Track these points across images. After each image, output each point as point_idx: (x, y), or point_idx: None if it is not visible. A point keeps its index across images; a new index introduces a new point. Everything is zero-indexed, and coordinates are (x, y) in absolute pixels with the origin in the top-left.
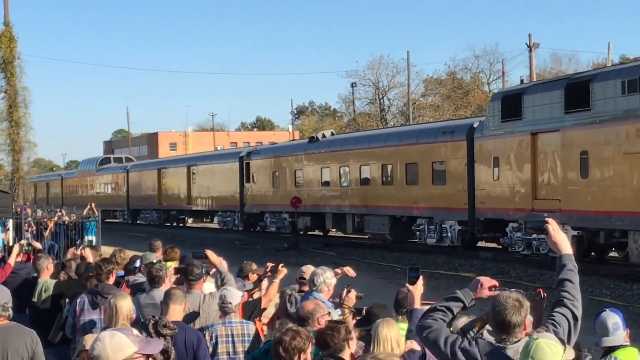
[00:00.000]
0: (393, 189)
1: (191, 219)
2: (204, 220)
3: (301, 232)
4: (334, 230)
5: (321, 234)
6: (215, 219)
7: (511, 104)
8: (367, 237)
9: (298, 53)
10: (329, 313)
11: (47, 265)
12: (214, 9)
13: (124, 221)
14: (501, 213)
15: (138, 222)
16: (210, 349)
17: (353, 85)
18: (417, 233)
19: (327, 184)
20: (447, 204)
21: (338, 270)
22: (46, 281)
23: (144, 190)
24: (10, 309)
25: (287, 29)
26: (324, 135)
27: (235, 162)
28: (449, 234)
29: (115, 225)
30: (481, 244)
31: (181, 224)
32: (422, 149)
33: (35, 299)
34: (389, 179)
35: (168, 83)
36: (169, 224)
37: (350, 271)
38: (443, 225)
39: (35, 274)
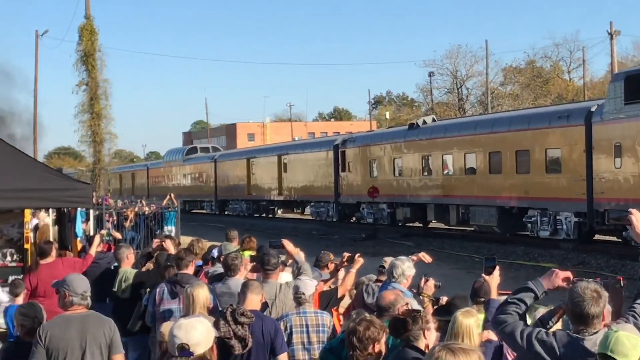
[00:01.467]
0: (502, 178)
1: (281, 209)
2: (295, 210)
3: (400, 224)
4: (436, 221)
5: (421, 225)
6: (308, 210)
7: (636, 85)
8: (472, 229)
9: (375, 43)
10: (408, 303)
11: (128, 255)
12: (290, 1)
13: (211, 212)
14: (624, 204)
15: (226, 212)
16: (285, 339)
17: (431, 74)
18: (529, 225)
19: (428, 172)
20: (562, 194)
21: (414, 257)
22: (126, 271)
23: (232, 180)
24: (88, 298)
25: (365, 19)
26: (424, 122)
27: (329, 150)
28: (564, 226)
29: (196, 216)
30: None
31: (270, 215)
32: (534, 135)
33: (115, 289)
34: (497, 167)
35: (246, 74)
36: (257, 215)
37: (425, 257)
38: (557, 217)
39: (116, 264)
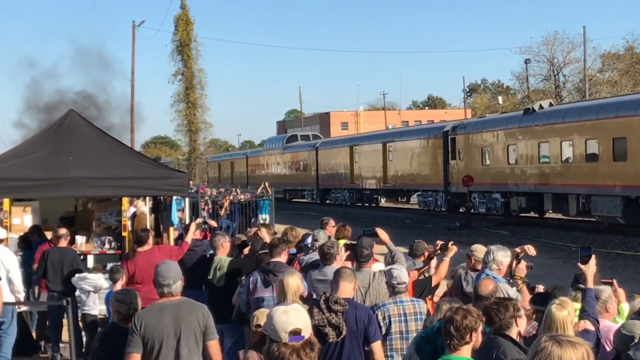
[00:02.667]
0: (628, 166)
1: (384, 198)
2: (399, 200)
3: (514, 214)
4: (552, 212)
5: (537, 215)
6: (415, 199)
7: None
8: (594, 220)
9: (470, 29)
10: (505, 290)
11: (223, 244)
12: None
13: (312, 201)
14: None
15: (327, 202)
16: (384, 329)
17: (527, 61)
18: None
19: (545, 160)
20: None
21: (518, 249)
22: (221, 259)
23: (334, 168)
24: (179, 286)
25: (459, 6)
26: (541, 107)
27: (438, 137)
28: None
29: (296, 205)
30: None
31: (373, 205)
32: None
33: (210, 277)
34: (621, 154)
35: (340, 63)
36: (360, 204)
37: (530, 249)
38: None
39: (212, 252)
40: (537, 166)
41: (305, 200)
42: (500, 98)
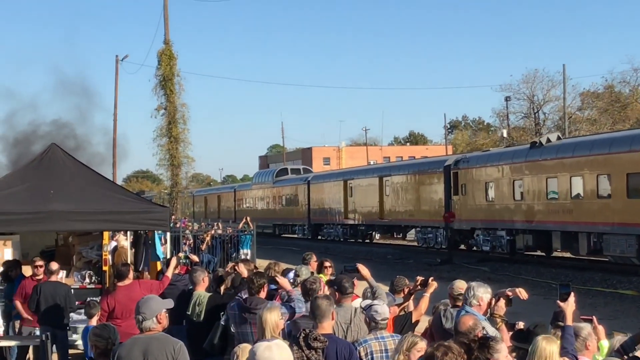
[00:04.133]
0: None
1: (378, 234)
2: (395, 236)
3: (520, 251)
4: (561, 250)
5: (543, 254)
6: (412, 235)
7: None
8: (606, 260)
9: (451, 67)
10: (484, 328)
11: (203, 278)
12: (366, 25)
13: (303, 237)
14: None
15: (319, 237)
16: None
17: (507, 99)
18: None
19: (554, 196)
20: None
21: (509, 292)
22: (200, 294)
23: (327, 203)
24: (154, 321)
25: (440, 43)
26: (548, 140)
27: (440, 171)
28: None
29: (286, 240)
30: None
31: (367, 240)
32: None
33: (189, 312)
34: (637, 189)
35: (322, 98)
36: (353, 240)
37: (522, 293)
38: None
39: (191, 287)
40: (545, 202)
41: (295, 235)
42: (443, 141)
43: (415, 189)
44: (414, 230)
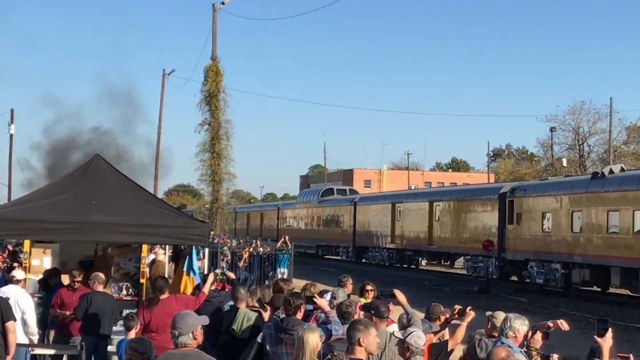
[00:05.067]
0: None
1: (425, 260)
2: (442, 263)
3: (575, 286)
4: (619, 287)
5: (599, 290)
6: (461, 263)
7: None
8: None
9: (496, 94)
10: None
11: (247, 299)
12: (413, 50)
13: (347, 259)
14: None
15: (364, 260)
16: None
17: (552, 129)
18: None
19: (615, 230)
20: None
21: (550, 324)
22: (246, 311)
23: (373, 225)
24: (190, 337)
25: (486, 71)
26: (611, 171)
27: (494, 199)
28: None
29: (330, 262)
30: None
31: (413, 266)
32: None
33: (236, 327)
34: None
35: (365, 120)
36: (398, 265)
37: (564, 324)
38: None
39: (232, 303)
40: (604, 236)
41: (339, 257)
42: (486, 169)
43: (467, 215)
44: (462, 258)
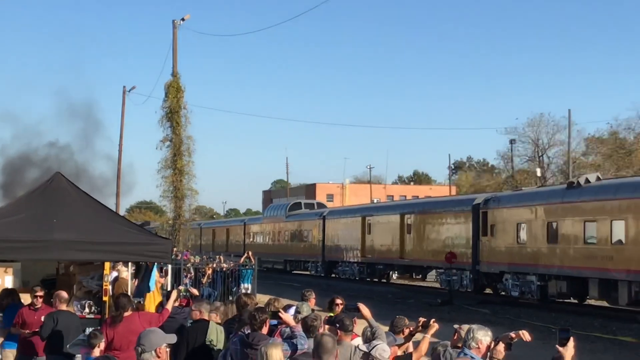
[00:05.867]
0: None
1: (396, 274)
2: (414, 276)
3: (552, 298)
4: (598, 299)
5: (576, 301)
6: (433, 277)
7: None
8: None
9: (456, 108)
10: None
11: (211, 314)
12: (373, 64)
13: (316, 274)
14: None
15: (333, 275)
16: None
17: (512, 142)
18: None
19: (592, 241)
20: None
21: (513, 334)
22: (216, 325)
23: (343, 239)
24: (153, 355)
25: (447, 84)
26: (587, 180)
27: (467, 211)
28: None
29: (298, 277)
30: None
31: (384, 280)
32: None
33: (214, 339)
34: None
35: (327, 135)
36: (369, 279)
37: (525, 335)
38: None
39: (199, 318)
40: (582, 247)
41: (308, 272)
42: (447, 181)
43: (439, 228)
44: (434, 271)
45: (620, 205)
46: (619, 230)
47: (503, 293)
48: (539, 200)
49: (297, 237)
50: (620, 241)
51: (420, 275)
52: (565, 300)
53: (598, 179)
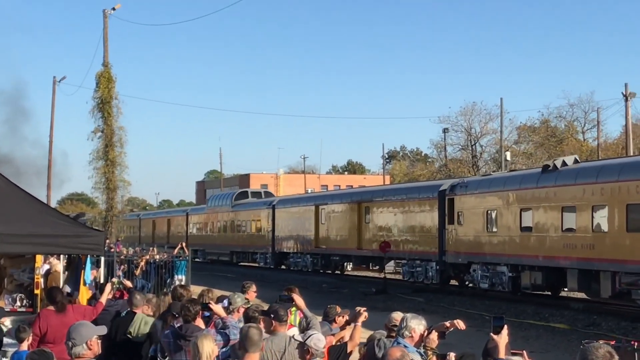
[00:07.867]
0: None
1: (350, 265)
2: (371, 267)
3: (526, 291)
4: (578, 291)
5: (549, 293)
6: (391, 268)
7: None
8: (630, 305)
9: (390, 97)
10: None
11: (143, 305)
12: (305, 53)
13: (265, 265)
14: None
15: (283, 267)
16: None
17: (445, 130)
18: None
19: (570, 229)
20: None
21: (447, 324)
22: (144, 316)
23: (295, 229)
24: (84, 348)
25: (380, 73)
26: (564, 163)
27: (433, 198)
28: None
29: (248, 270)
30: None
31: (337, 272)
32: None
33: (132, 331)
34: None
35: (261, 125)
36: (322, 271)
37: (460, 324)
38: None
39: (129, 309)
40: (559, 236)
41: (256, 264)
42: (381, 171)
43: (402, 216)
44: (392, 262)
45: (603, 189)
46: (601, 216)
47: (470, 285)
48: (510, 185)
49: (244, 228)
50: (601, 228)
51: (378, 267)
52: (540, 292)
53: (576, 161)
